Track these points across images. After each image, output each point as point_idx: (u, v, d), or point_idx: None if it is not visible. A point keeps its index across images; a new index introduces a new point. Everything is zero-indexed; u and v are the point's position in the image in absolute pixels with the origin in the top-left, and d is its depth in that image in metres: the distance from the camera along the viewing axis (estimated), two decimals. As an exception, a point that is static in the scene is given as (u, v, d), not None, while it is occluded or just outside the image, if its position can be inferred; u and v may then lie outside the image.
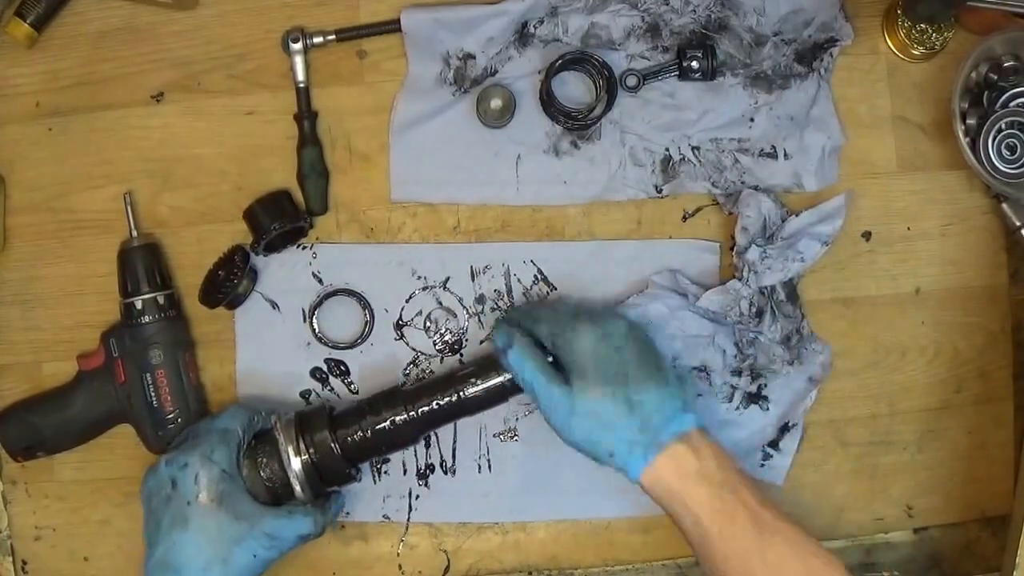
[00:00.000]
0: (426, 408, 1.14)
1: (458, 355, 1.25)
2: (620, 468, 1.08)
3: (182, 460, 1.10)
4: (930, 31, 1.24)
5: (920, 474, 1.28)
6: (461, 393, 1.15)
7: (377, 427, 1.14)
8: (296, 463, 1.13)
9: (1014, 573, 1.15)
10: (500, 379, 1.14)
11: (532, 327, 1.13)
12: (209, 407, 1.24)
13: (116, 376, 1.19)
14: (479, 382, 1.15)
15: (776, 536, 1.03)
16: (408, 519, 1.25)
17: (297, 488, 1.13)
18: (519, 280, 1.24)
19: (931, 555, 1.29)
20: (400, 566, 1.26)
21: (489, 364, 1.15)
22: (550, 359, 1.11)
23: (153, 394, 1.19)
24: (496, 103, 1.22)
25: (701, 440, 1.07)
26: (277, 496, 1.14)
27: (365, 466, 1.24)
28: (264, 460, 1.13)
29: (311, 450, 1.13)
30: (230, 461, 1.11)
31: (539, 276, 1.24)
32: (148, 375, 1.19)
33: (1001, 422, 1.29)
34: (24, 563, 1.26)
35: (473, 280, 1.24)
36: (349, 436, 1.14)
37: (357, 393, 1.24)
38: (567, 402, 1.08)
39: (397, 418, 1.14)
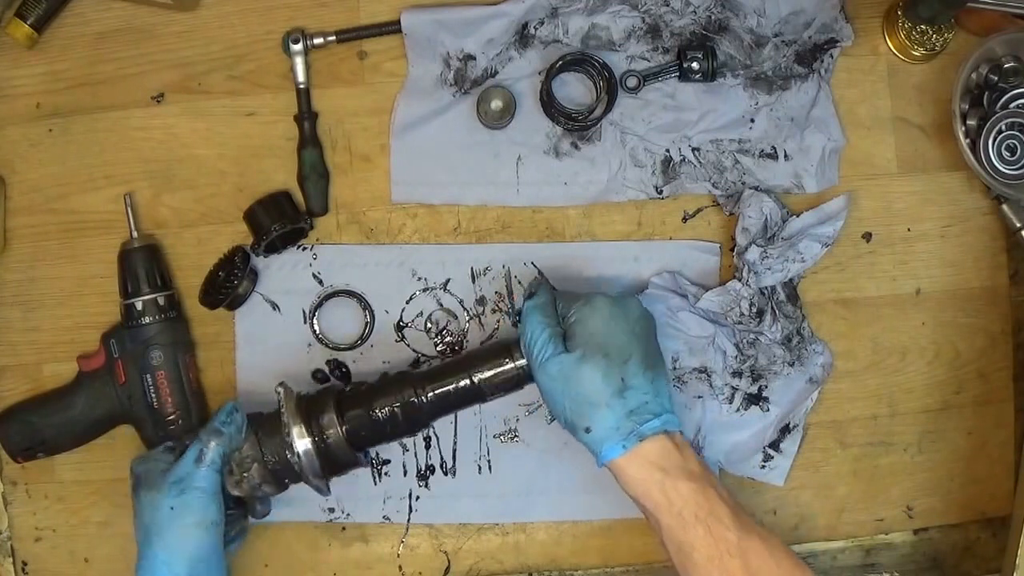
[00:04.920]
0: (437, 392, 1.11)
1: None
2: (593, 448, 1.07)
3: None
4: (930, 32, 1.24)
5: (920, 475, 1.28)
6: (473, 378, 1.11)
7: (386, 412, 1.11)
8: (301, 445, 1.09)
9: (1014, 574, 1.15)
10: (515, 364, 1.11)
11: (556, 297, 1.13)
12: (209, 408, 1.24)
13: (116, 377, 1.19)
14: (493, 367, 1.12)
15: (754, 538, 1.04)
16: (408, 520, 1.25)
17: (300, 470, 1.10)
18: (519, 282, 1.24)
19: (931, 556, 1.29)
20: (400, 567, 1.26)
21: (504, 350, 1.12)
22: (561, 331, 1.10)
23: (153, 395, 1.19)
24: (496, 104, 1.22)
25: (682, 441, 1.07)
26: (278, 476, 1.11)
27: (367, 469, 1.24)
28: (266, 440, 1.11)
29: (317, 433, 1.10)
30: (156, 455, 1.13)
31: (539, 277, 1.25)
32: (148, 376, 1.19)
33: (1001, 423, 1.29)
34: (24, 564, 1.26)
35: (474, 281, 1.24)
36: (357, 420, 1.11)
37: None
38: (562, 367, 1.06)
39: (408, 402, 1.11)
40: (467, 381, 1.11)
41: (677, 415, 1.08)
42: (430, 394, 1.11)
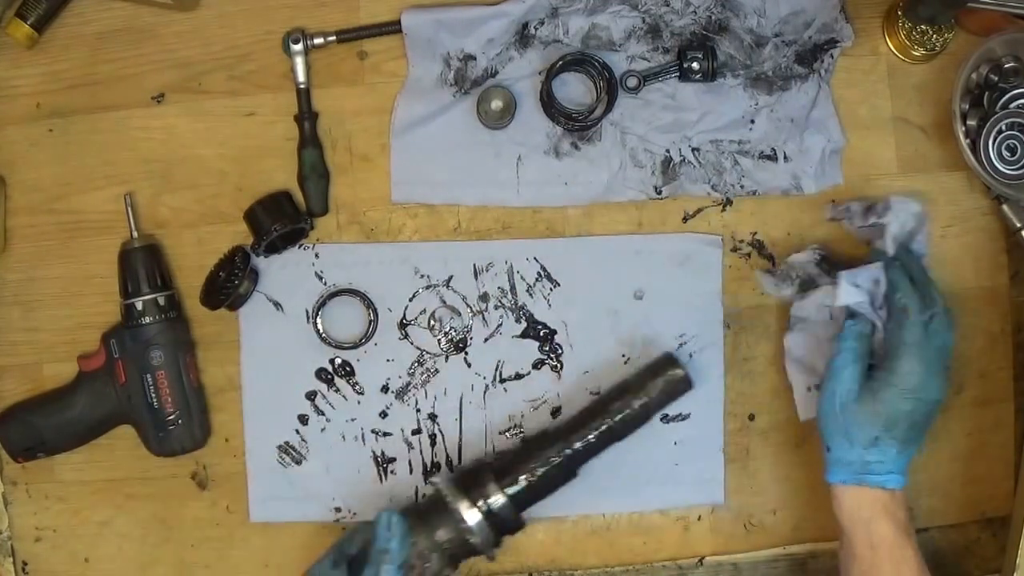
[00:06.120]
0: (580, 443, 1.17)
1: (463, 353, 1.25)
2: (825, 460, 1.13)
3: None
4: (930, 32, 1.24)
5: (920, 475, 1.28)
6: (607, 423, 1.17)
7: (539, 471, 1.16)
8: (473, 520, 1.14)
9: (1014, 574, 1.15)
10: (642, 401, 1.18)
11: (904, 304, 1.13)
12: (209, 408, 1.24)
13: (117, 377, 1.19)
14: (623, 407, 1.18)
15: None
16: (412, 518, 1.25)
17: (476, 545, 1.14)
18: (522, 277, 1.24)
19: (931, 556, 1.28)
20: (401, 567, 1.26)
21: (629, 388, 1.19)
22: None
23: (154, 395, 1.19)
24: (497, 104, 1.22)
25: (900, 496, 1.11)
26: (455, 557, 1.15)
27: (372, 467, 1.25)
28: (439, 524, 1.14)
29: (482, 505, 1.14)
30: None
31: (542, 273, 1.24)
32: (149, 376, 1.19)
33: (1001, 423, 1.29)
34: (25, 564, 1.25)
35: (476, 278, 1.24)
36: (513, 486, 1.16)
37: (362, 394, 1.24)
38: (844, 404, 1.11)
39: (555, 458, 1.16)
40: (604, 426, 1.18)
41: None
42: (575, 447, 1.17)
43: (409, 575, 1.13)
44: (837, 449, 1.12)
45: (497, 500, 1.15)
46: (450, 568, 1.15)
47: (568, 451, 1.17)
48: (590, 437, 1.17)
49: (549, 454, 1.16)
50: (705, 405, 1.26)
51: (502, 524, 1.15)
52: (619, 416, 1.18)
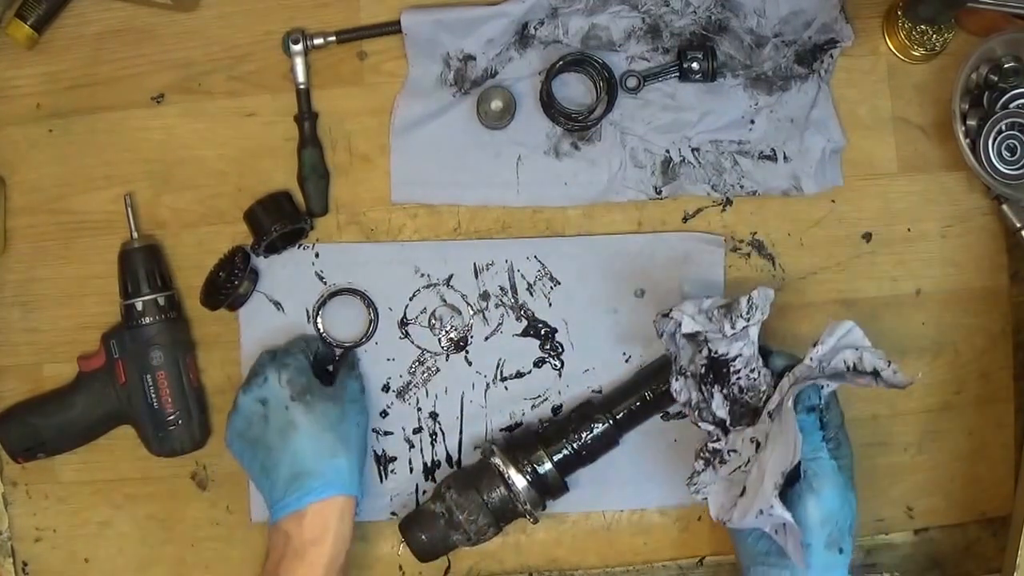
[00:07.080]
0: (621, 413, 1.21)
1: (464, 352, 1.25)
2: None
3: (260, 379, 1.15)
4: (930, 32, 1.24)
5: (920, 475, 1.28)
6: (647, 395, 1.21)
7: (581, 439, 1.19)
8: (520, 483, 1.17)
9: (1014, 574, 1.15)
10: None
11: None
12: (210, 408, 1.24)
13: (117, 377, 1.19)
14: (662, 384, 1.20)
15: None
16: (415, 517, 1.25)
17: (523, 507, 1.18)
18: (523, 276, 1.24)
19: (931, 556, 1.29)
20: (400, 567, 1.26)
21: (668, 362, 1.18)
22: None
23: (154, 395, 1.19)
24: (496, 104, 1.22)
25: None
26: (501, 519, 1.18)
27: (373, 466, 1.25)
28: (487, 486, 1.17)
29: (529, 470, 1.18)
30: (298, 361, 1.16)
31: (543, 271, 1.25)
32: (149, 376, 1.19)
33: (1002, 423, 1.29)
34: (25, 564, 1.26)
35: (476, 277, 1.24)
36: (559, 452, 1.19)
37: (363, 392, 1.24)
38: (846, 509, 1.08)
39: (597, 427, 1.20)
40: (645, 398, 1.21)
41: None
42: (617, 417, 1.21)
43: (456, 533, 1.17)
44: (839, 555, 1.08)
45: (543, 466, 1.18)
46: (495, 529, 1.18)
47: (611, 420, 1.20)
48: (631, 407, 1.20)
49: (593, 423, 1.19)
50: (705, 404, 1.26)
51: (547, 489, 1.19)
52: (658, 388, 1.20)
